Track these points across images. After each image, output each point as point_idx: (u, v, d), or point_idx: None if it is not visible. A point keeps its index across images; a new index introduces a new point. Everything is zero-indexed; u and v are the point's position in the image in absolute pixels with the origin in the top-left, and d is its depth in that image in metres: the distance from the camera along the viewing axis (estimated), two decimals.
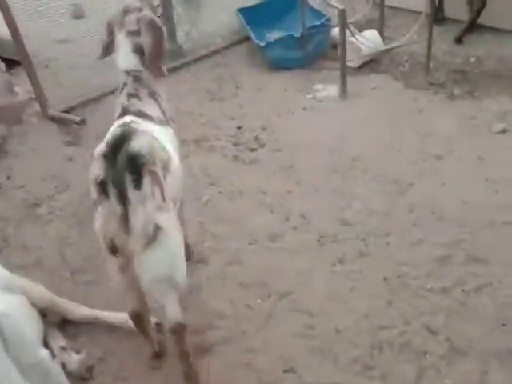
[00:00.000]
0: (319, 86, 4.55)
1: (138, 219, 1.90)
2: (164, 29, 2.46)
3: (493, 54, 4.67)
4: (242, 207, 3.32)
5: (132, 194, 1.89)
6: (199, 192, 3.47)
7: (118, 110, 2.32)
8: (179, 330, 2.13)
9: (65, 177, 3.73)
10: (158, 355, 2.44)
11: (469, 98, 4.17)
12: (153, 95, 2.40)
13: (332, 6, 4.28)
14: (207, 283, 2.81)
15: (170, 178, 2.11)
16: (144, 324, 2.31)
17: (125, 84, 2.38)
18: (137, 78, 2.38)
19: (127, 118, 2.21)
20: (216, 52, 5.42)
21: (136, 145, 1.94)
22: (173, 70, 4.86)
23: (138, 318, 2.26)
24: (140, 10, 2.42)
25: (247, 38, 5.48)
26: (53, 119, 4.41)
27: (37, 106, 4.51)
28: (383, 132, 3.88)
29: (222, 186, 3.52)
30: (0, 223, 3.34)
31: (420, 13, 4.90)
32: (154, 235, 1.92)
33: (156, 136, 2.15)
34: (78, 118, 4.27)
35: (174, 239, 2.02)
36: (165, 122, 2.39)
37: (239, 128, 4.16)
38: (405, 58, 4.85)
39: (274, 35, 5.32)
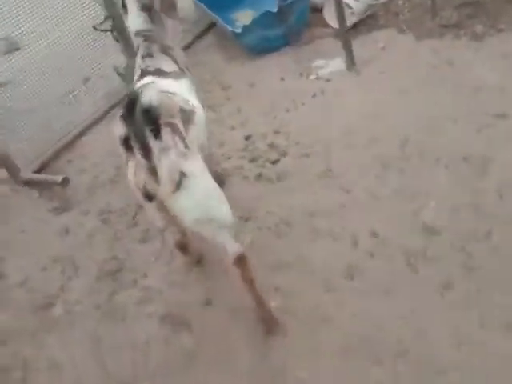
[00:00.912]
0: (320, 62, 3.91)
1: (163, 168, 1.95)
2: None
3: None
4: (295, 242, 2.72)
5: (153, 144, 1.94)
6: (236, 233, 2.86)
7: (138, 73, 2.44)
8: (242, 262, 2.17)
9: (69, 256, 3.07)
10: (199, 262, 2.75)
11: (496, 34, 3.58)
12: (165, 50, 2.49)
13: None
14: (294, 361, 2.22)
15: (194, 128, 2.16)
16: (188, 249, 2.66)
17: (138, 46, 2.52)
18: (147, 37, 2.50)
19: (147, 79, 2.30)
20: (183, 50, 4.71)
21: (146, 98, 1.94)
22: None
23: (183, 246, 2.61)
24: None
25: (211, 26, 4.80)
26: (28, 184, 3.71)
27: (3, 172, 3.81)
28: (420, 100, 3.28)
29: (259, 220, 2.90)
30: (12, 343, 2.69)
31: None
32: (179, 182, 1.97)
33: (176, 91, 2.21)
34: (59, 178, 3.57)
35: (200, 184, 2.03)
36: (180, 73, 2.46)
37: (248, 138, 3.53)
38: (400, 3, 4.22)
39: (241, 16, 4.67)
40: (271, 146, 3.39)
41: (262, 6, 4.56)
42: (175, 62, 2.49)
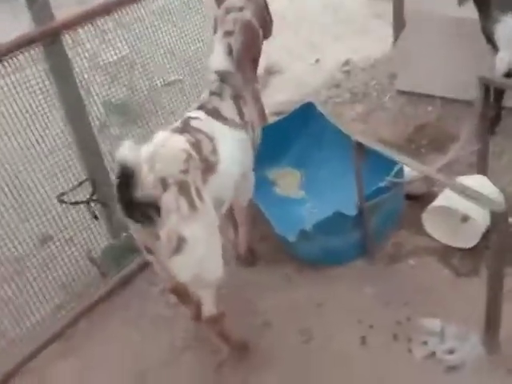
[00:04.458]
0: (433, 325, 2.27)
1: (162, 233, 1.95)
2: (260, 33, 2.42)
3: None
4: None
5: (154, 222, 1.94)
6: None
7: (195, 105, 2.36)
8: (213, 322, 2.21)
9: None
10: (197, 317, 2.40)
11: None
12: (236, 97, 2.37)
13: (475, 198, 2.00)
14: None
15: (216, 179, 2.13)
16: (184, 297, 2.38)
17: (211, 83, 2.38)
18: (224, 79, 2.36)
19: (193, 114, 2.26)
20: None
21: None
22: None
23: (177, 292, 2.36)
24: (241, 9, 2.38)
25: None
26: None
27: None
28: None
29: None
30: None
31: None
32: (178, 246, 1.96)
33: (215, 136, 2.19)
34: None
35: (199, 247, 2.02)
36: (239, 125, 2.35)
37: None
38: None
39: (281, 176, 3.22)
40: None
41: (309, 164, 3.16)
42: (240, 113, 2.35)
